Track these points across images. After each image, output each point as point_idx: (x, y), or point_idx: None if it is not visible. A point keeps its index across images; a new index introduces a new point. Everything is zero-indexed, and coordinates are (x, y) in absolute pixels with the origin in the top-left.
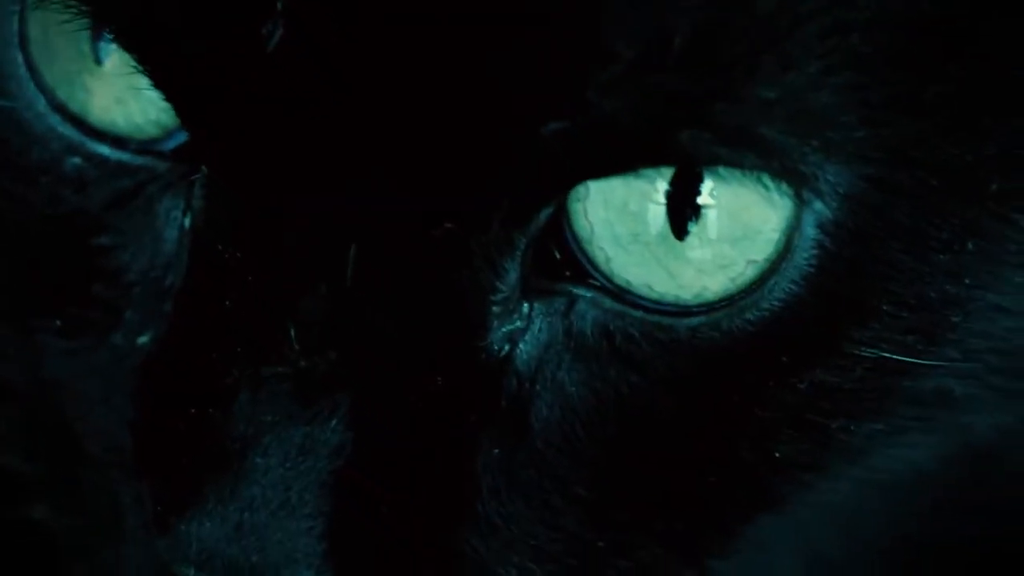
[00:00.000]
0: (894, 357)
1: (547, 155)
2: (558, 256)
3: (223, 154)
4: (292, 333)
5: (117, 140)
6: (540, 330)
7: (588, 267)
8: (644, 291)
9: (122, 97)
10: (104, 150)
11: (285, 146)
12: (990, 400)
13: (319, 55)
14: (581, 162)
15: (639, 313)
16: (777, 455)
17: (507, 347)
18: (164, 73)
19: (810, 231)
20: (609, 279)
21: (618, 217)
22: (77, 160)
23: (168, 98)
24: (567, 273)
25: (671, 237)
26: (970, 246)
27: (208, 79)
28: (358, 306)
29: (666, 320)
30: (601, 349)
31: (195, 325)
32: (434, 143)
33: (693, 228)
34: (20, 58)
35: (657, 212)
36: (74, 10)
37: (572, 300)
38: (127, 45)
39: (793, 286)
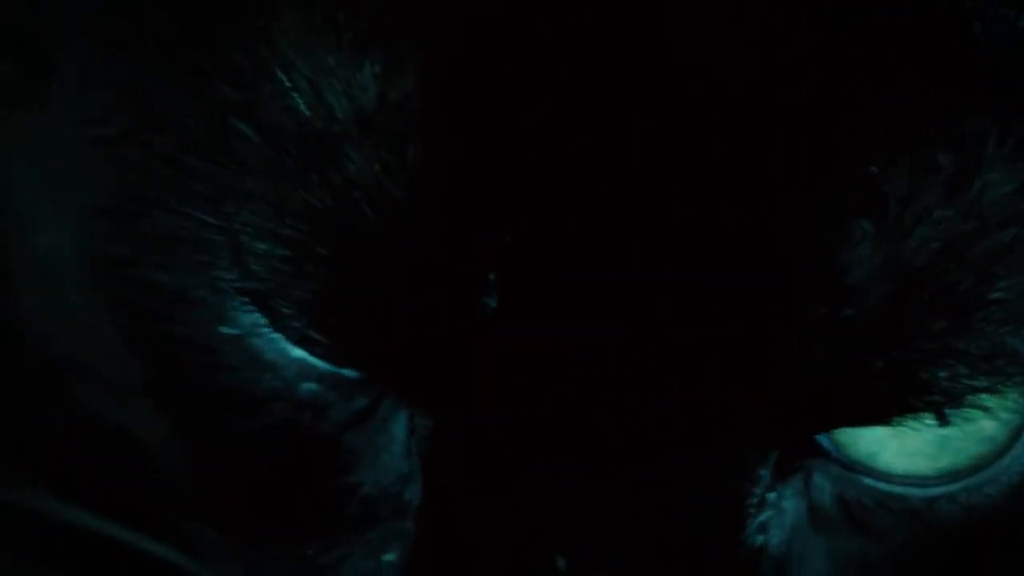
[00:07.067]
0: None
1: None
2: None
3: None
4: (559, 561)
5: None
6: (786, 513)
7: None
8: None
9: None
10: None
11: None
12: None
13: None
14: (841, 411)
15: (871, 482)
16: None
17: (760, 538)
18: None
19: None
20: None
21: None
22: (312, 384)
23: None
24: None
25: None
26: None
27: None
28: (622, 531)
29: (898, 490)
30: (840, 521)
31: (442, 549)
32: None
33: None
34: None
35: None
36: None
37: (808, 473)
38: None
39: None
